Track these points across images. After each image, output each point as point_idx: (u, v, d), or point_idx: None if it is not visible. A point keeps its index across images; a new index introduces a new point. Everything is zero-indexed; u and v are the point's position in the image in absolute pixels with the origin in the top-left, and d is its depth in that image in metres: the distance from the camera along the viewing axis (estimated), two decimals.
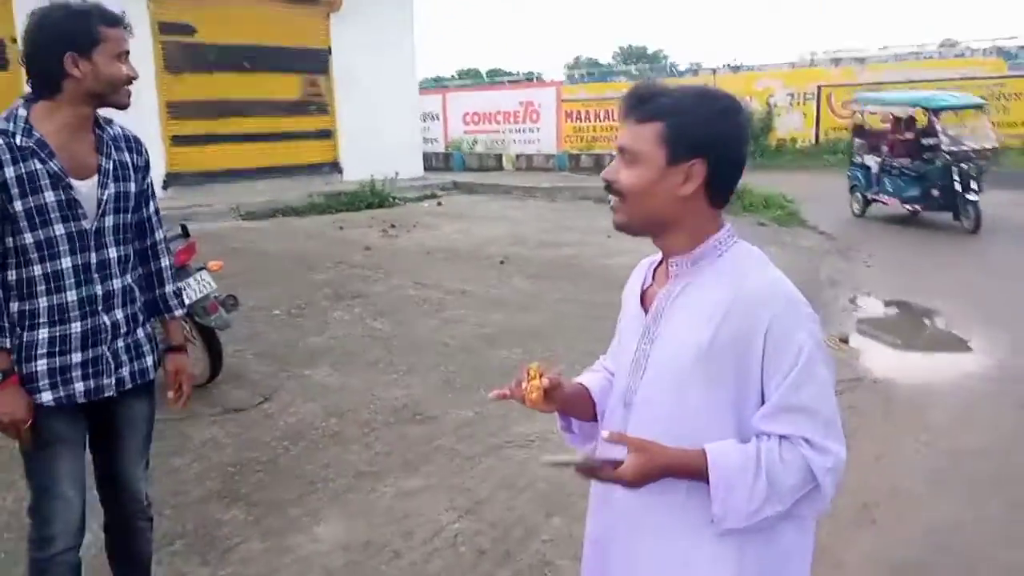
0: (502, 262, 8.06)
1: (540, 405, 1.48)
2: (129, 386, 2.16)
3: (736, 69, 22.82)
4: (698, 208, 1.35)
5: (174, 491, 3.40)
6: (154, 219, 2.26)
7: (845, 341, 5.70)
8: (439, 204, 12.87)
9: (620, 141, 1.36)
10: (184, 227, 4.36)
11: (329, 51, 13.55)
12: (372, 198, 12.31)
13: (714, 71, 22.99)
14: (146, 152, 2.24)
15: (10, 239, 1.99)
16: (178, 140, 11.89)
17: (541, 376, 1.48)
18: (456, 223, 10.89)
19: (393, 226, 10.45)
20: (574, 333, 5.62)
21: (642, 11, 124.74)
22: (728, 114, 1.33)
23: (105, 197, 2.06)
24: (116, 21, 2.01)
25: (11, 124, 1.98)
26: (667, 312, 1.39)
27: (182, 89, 11.84)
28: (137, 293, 2.20)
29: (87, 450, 2.22)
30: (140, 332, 2.20)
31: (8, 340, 2.00)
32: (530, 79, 30.09)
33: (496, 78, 41.31)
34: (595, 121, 23.41)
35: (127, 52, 2.04)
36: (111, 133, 2.13)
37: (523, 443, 3.89)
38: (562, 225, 10.60)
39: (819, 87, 20.80)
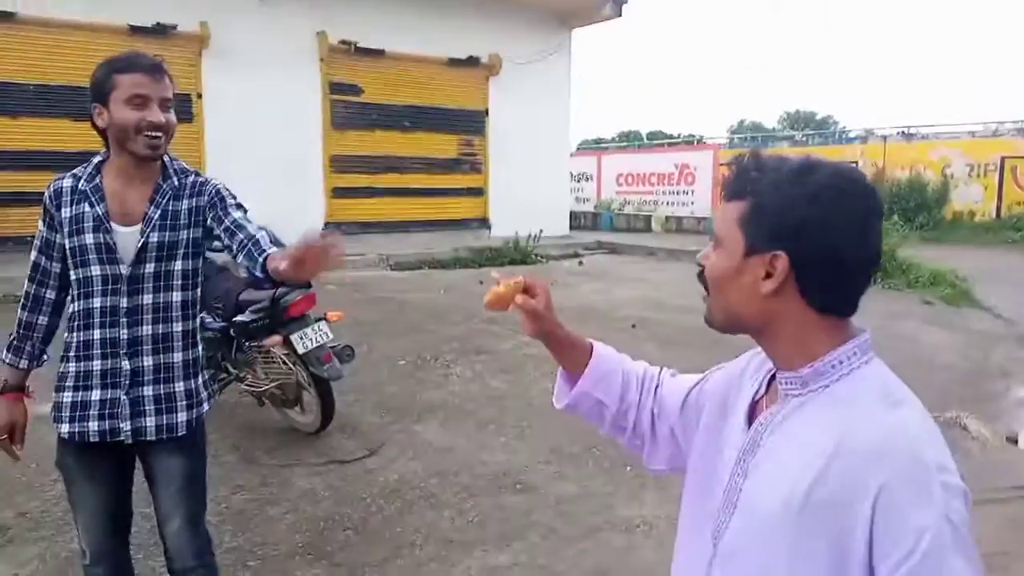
0: (633, 326, 7.79)
1: (500, 305, 1.35)
2: (152, 438, 2.13)
3: (909, 137, 21.39)
4: (797, 313, 1.07)
5: (262, 542, 3.39)
6: (242, 220, 2.11)
7: (1014, 441, 4.98)
8: (580, 263, 12.77)
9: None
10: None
11: (486, 112, 13.98)
12: (515, 254, 12.43)
13: (884, 138, 21.70)
14: (212, 187, 2.17)
15: (71, 272, 2.12)
16: (338, 192, 12.58)
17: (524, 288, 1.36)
18: (594, 283, 10.72)
19: None
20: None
21: (812, 76, 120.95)
22: (822, 197, 1.02)
23: (144, 244, 2.09)
24: (129, 67, 2.02)
25: (84, 170, 2.14)
26: (765, 444, 1.11)
27: (345, 144, 12.56)
28: (185, 343, 2.17)
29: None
30: (179, 385, 2.16)
31: (24, 361, 2.17)
32: (689, 142, 29.74)
33: (655, 140, 41.24)
34: None
35: (147, 97, 2.02)
36: (177, 183, 2.16)
37: (626, 527, 3.61)
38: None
39: (1002, 158, 19.09)
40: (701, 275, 1.16)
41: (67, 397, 2.12)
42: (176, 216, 2.13)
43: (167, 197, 2.13)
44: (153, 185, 2.13)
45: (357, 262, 11.18)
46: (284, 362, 4.37)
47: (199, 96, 10.93)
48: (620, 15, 14.47)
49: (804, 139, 27.77)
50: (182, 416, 2.16)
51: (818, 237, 1.02)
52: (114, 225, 2.09)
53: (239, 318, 4.34)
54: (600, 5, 14.25)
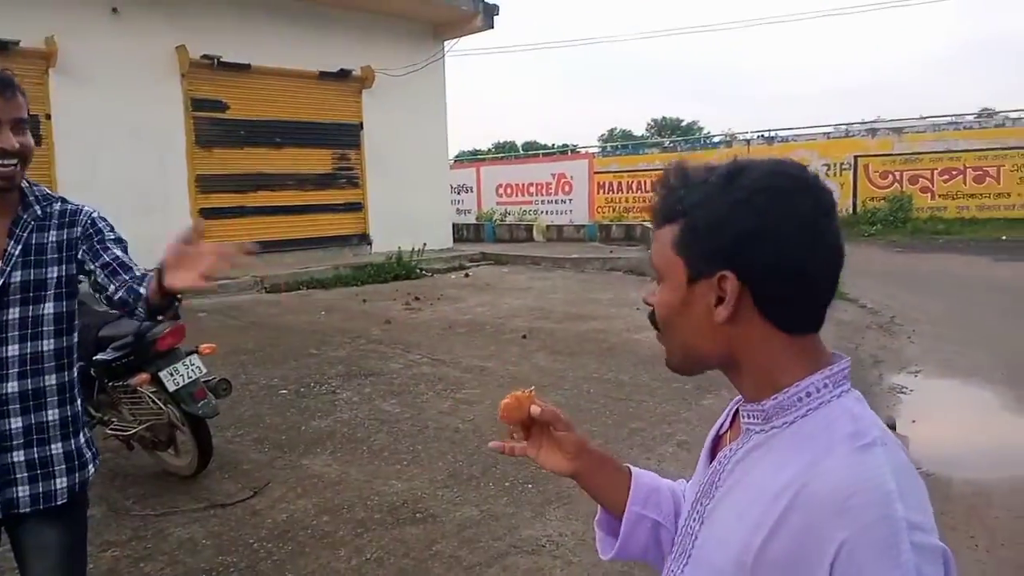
0: (524, 336, 7.75)
1: (516, 418, 1.16)
2: (26, 510, 1.83)
3: (771, 140, 22.60)
4: (763, 337, 0.92)
5: None
6: (124, 257, 1.89)
7: (892, 427, 5.22)
8: (466, 275, 12.67)
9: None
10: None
11: (360, 126, 13.66)
12: (399, 270, 12.19)
13: (748, 142, 22.83)
14: (96, 220, 1.92)
15: None
16: (206, 212, 11.93)
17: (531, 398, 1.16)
18: (481, 295, 10.64)
19: (417, 298, 10.24)
20: (596, 415, 5.26)
21: (675, 84, 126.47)
22: (755, 201, 0.88)
23: (5, 286, 1.80)
24: None
25: None
26: (723, 483, 0.97)
27: (212, 163, 11.94)
28: (62, 398, 1.88)
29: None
30: (55, 447, 1.87)
31: None
32: (564, 152, 30.28)
33: (531, 151, 41.77)
34: (627, 192, 23.31)
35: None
36: (40, 212, 1.87)
37: (532, 548, 3.49)
38: (589, 297, 10.29)
39: (855, 157, 20.48)
40: (652, 315, 1.01)
41: None
42: (42, 251, 1.84)
43: (29, 229, 1.84)
44: (11, 216, 1.84)
45: (230, 286, 10.64)
46: (153, 401, 4.01)
47: (47, 117, 10.08)
48: (492, 27, 14.53)
49: (672, 145, 28.82)
50: (61, 482, 1.87)
51: (762, 247, 0.88)
52: None
53: (100, 356, 3.93)
54: (471, 17, 14.25)
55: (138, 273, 1.88)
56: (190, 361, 3.97)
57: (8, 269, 1.81)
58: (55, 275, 1.86)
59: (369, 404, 5.65)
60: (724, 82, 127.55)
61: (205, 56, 11.55)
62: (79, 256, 1.90)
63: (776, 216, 0.88)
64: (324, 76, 13.03)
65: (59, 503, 1.87)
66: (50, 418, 1.87)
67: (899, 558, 0.78)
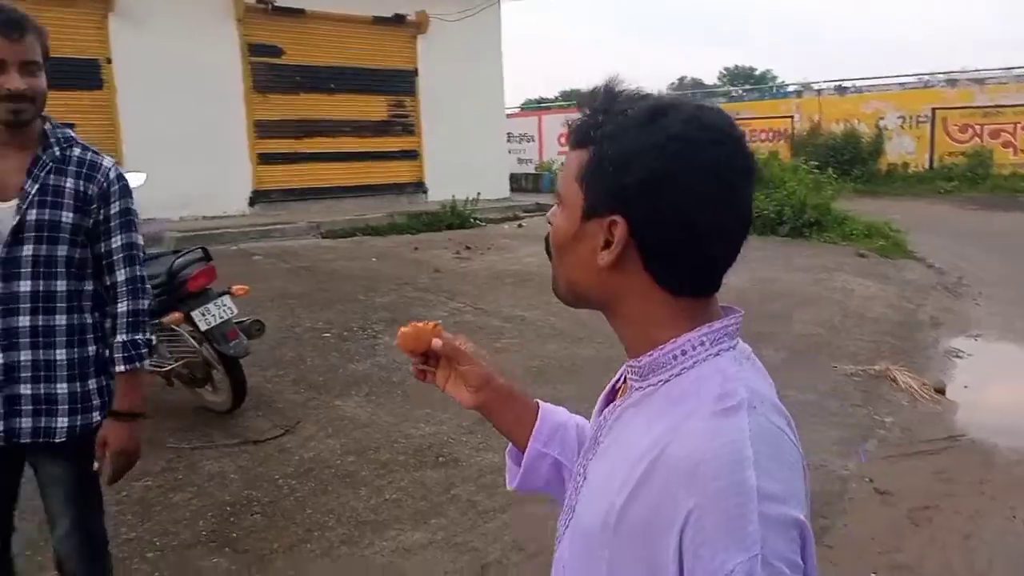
0: None
1: (414, 346, 1.13)
2: (26, 441, 1.90)
3: (843, 90, 21.60)
4: (641, 291, 0.86)
5: (163, 531, 3.19)
6: (117, 256, 1.96)
7: (942, 391, 5.02)
8: (519, 226, 12.60)
9: None
10: (204, 249, 4.20)
11: (415, 72, 13.57)
12: (453, 219, 12.18)
13: (819, 92, 21.89)
14: (113, 182, 1.95)
15: None
16: (264, 158, 12.10)
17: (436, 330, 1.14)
18: (532, 245, 10.56)
19: (468, 248, 10.24)
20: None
21: (751, 33, 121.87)
22: (668, 148, 0.81)
23: (21, 223, 1.84)
24: None
25: None
26: (604, 440, 0.93)
27: (269, 109, 12.06)
28: (71, 339, 1.92)
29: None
30: (60, 386, 1.91)
31: None
32: None
33: None
34: None
35: (2, 61, 1.77)
36: (59, 155, 1.90)
37: (547, 498, 3.49)
38: None
39: (933, 109, 19.44)
40: (547, 239, 0.95)
41: None
42: (59, 193, 1.88)
43: (47, 169, 1.88)
44: (31, 155, 1.88)
45: (286, 230, 10.82)
46: (188, 339, 4.12)
47: (108, 61, 10.31)
48: None
49: (741, 94, 27.89)
50: (62, 421, 1.92)
51: (661, 198, 0.81)
52: None
53: None
54: None
55: (123, 293, 1.97)
56: (222, 302, 4.06)
57: (24, 207, 1.84)
58: (69, 220, 1.89)
59: None
60: (800, 30, 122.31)
61: (259, 1, 11.58)
62: (98, 217, 1.93)
63: (683, 167, 0.81)
64: (378, 21, 12.94)
65: (58, 440, 1.92)
66: (58, 357, 1.91)
67: (745, 529, 0.73)
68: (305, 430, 4.23)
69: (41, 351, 1.89)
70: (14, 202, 1.84)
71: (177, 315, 3.96)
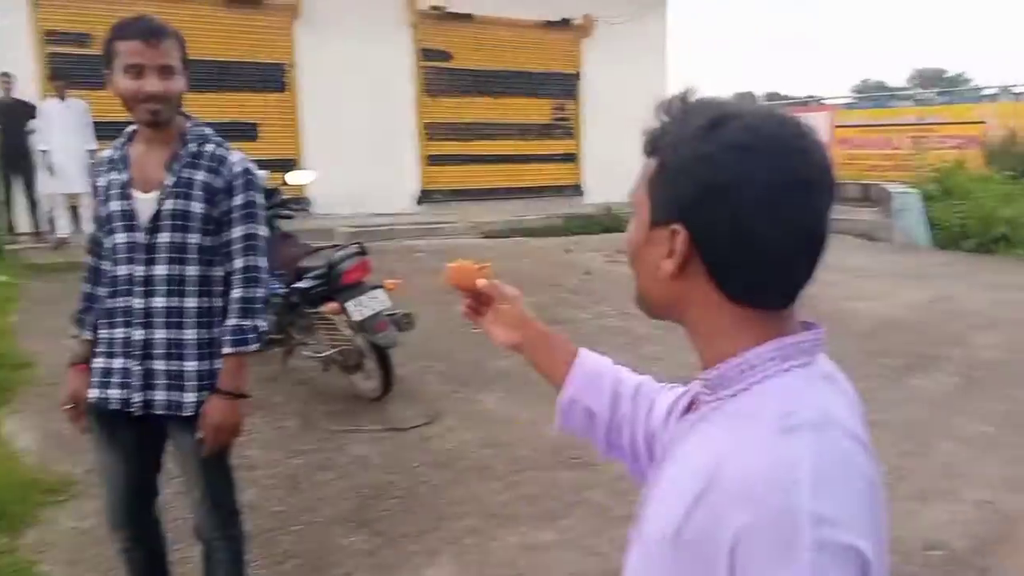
0: None
1: (461, 281, 1.21)
2: (161, 412, 2.07)
3: None
4: (705, 301, 0.85)
5: (308, 507, 3.40)
6: (237, 245, 2.08)
7: None
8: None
9: None
10: (360, 244, 4.44)
11: (578, 76, 13.64)
12: (608, 222, 12.13)
13: (1017, 96, 19.82)
14: (237, 176, 2.09)
15: (105, 240, 2.13)
16: (433, 160, 12.60)
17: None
18: None
19: (620, 251, 10.14)
20: None
21: (944, 32, 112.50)
22: (725, 158, 0.79)
23: (158, 212, 2.03)
24: (125, 34, 1.94)
25: (119, 139, 2.13)
26: (676, 451, 0.89)
27: (438, 112, 12.55)
28: (200, 321, 2.08)
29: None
30: (190, 364, 2.07)
31: (88, 332, 2.16)
32: (804, 103, 28.20)
33: (772, 102, 39.38)
34: (871, 148, 21.27)
35: (142, 67, 1.93)
36: (194, 151, 2.07)
37: None
38: None
39: None
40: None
41: (97, 363, 2.12)
42: (189, 185, 2.05)
43: (183, 164, 2.06)
44: (171, 151, 2.07)
45: (449, 229, 11.21)
46: (344, 329, 4.37)
47: (292, 65, 11.13)
48: None
49: (931, 97, 25.79)
50: (190, 396, 2.07)
51: (716, 209, 0.79)
52: (135, 192, 2.05)
53: (298, 284, 4.36)
54: None
55: (236, 268, 2.08)
56: (374, 294, 4.28)
57: (163, 198, 2.04)
58: (199, 210, 2.05)
59: None
60: (1000, 30, 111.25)
61: (433, 7, 12.06)
62: (223, 209, 2.08)
63: (740, 177, 0.78)
64: (545, 25, 13.11)
65: (186, 414, 2.08)
66: (188, 336, 2.07)
67: (794, 553, 0.69)
68: (446, 421, 4.37)
69: (174, 330, 2.06)
70: (155, 194, 2.04)
71: (334, 305, 4.22)
